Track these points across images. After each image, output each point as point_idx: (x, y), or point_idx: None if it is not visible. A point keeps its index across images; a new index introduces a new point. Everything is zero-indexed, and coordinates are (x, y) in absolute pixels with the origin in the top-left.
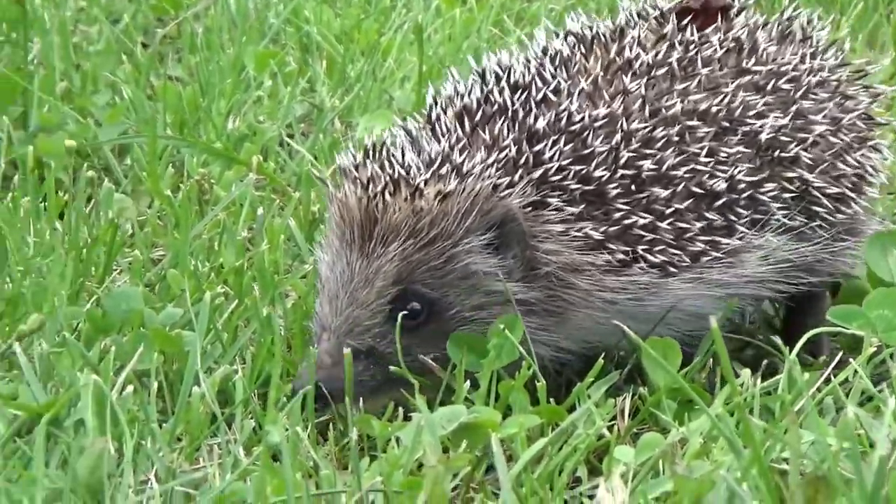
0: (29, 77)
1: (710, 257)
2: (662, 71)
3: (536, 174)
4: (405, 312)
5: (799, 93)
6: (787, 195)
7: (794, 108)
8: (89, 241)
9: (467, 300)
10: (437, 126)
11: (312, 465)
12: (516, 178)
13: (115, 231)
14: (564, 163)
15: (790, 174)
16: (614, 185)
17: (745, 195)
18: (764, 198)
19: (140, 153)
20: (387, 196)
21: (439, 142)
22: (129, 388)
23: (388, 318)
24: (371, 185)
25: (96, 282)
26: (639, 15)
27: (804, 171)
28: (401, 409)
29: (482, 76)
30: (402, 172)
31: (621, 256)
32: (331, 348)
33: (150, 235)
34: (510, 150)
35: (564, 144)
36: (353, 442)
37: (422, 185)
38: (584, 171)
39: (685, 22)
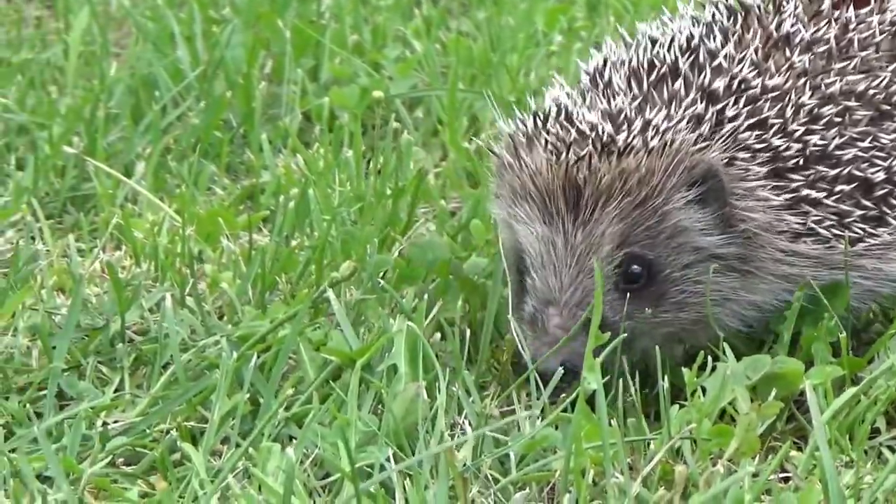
0: (321, 31)
1: (866, 244)
2: (821, 49)
3: (725, 131)
4: (631, 275)
5: None
6: None
7: None
8: (395, 189)
9: (678, 259)
10: (607, 88)
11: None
12: (707, 132)
13: (420, 181)
14: (747, 123)
15: None
16: (789, 155)
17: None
18: None
19: (439, 106)
20: (590, 159)
21: (613, 100)
22: (437, 335)
23: (615, 284)
24: (566, 150)
25: (399, 231)
26: None
27: None
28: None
29: (649, 41)
30: (598, 133)
31: (795, 227)
32: (564, 323)
33: (448, 187)
34: (696, 107)
35: (743, 107)
36: (663, 390)
37: (624, 143)
38: (763, 136)
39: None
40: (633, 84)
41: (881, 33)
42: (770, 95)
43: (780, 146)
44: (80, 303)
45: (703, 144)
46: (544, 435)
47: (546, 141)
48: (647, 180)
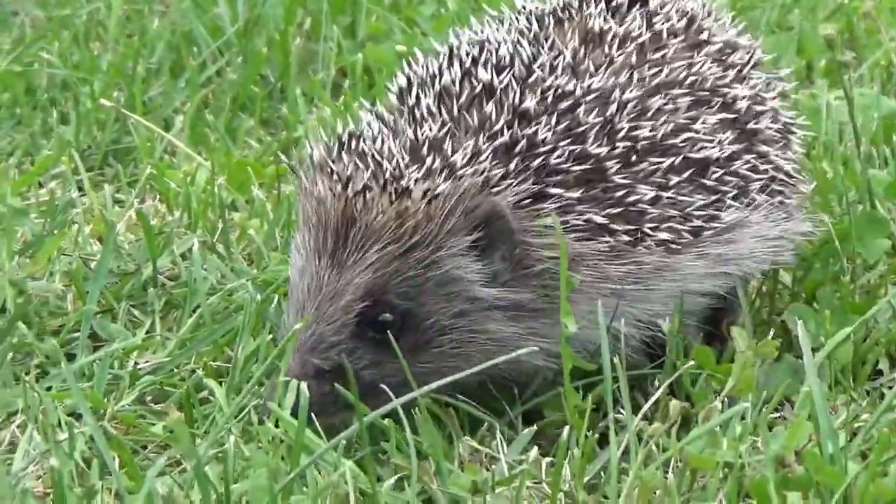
0: None
1: (710, 230)
2: (636, 42)
3: (534, 161)
4: (380, 324)
5: (747, 68)
6: (759, 169)
7: (748, 81)
8: None
9: (447, 308)
10: (415, 110)
11: None
12: (511, 166)
13: None
14: (560, 143)
15: (760, 148)
16: (613, 160)
17: (731, 167)
18: (744, 171)
19: None
20: (368, 195)
21: (421, 128)
22: None
23: (354, 334)
24: (351, 183)
25: None
26: None
27: (769, 147)
28: None
29: (455, 54)
30: (387, 166)
31: (626, 238)
32: (295, 367)
33: None
34: (502, 135)
35: (557, 123)
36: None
37: (408, 184)
38: (579, 150)
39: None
40: (443, 107)
41: (681, 22)
42: (589, 98)
43: (600, 153)
44: (113, 248)
45: (501, 182)
46: None
47: (332, 170)
48: (422, 225)
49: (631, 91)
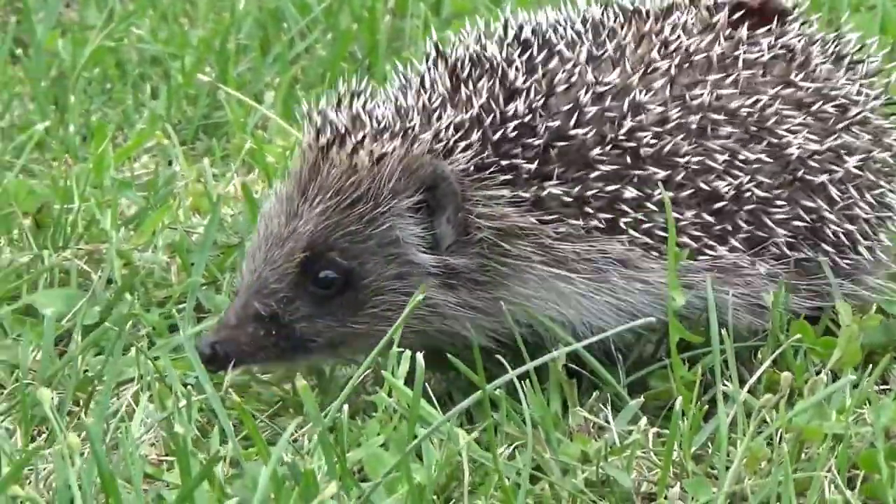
0: None
1: (706, 258)
2: (699, 58)
3: (495, 134)
4: (321, 280)
5: (842, 124)
6: (798, 223)
7: (832, 137)
8: None
9: (385, 270)
10: (426, 77)
11: None
12: (474, 137)
13: None
14: (530, 118)
15: (809, 203)
16: (598, 146)
17: (749, 207)
18: (770, 220)
19: None
20: (331, 150)
21: (419, 96)
22: None
23: (296, 284)
24: (320, 137)
25: None
26: (692, 1)
27: (823, 204)
28: None
29: (504, 30)
30: (364, 126)
31: (596, 223)
32: (238, 308)
33: None
34: (476, 110)
35: (544, 102)
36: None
37: (362, 142)
38: (558, 127)
39: (738, 17)
40: (448, 79)
41: (773, 56)
42: (601, 90)
43: (585, 138)
44: (217, 221)
45: (458, 153)
46: None
47: (318, 123)
48: (366, 181)
49: (651, 96)
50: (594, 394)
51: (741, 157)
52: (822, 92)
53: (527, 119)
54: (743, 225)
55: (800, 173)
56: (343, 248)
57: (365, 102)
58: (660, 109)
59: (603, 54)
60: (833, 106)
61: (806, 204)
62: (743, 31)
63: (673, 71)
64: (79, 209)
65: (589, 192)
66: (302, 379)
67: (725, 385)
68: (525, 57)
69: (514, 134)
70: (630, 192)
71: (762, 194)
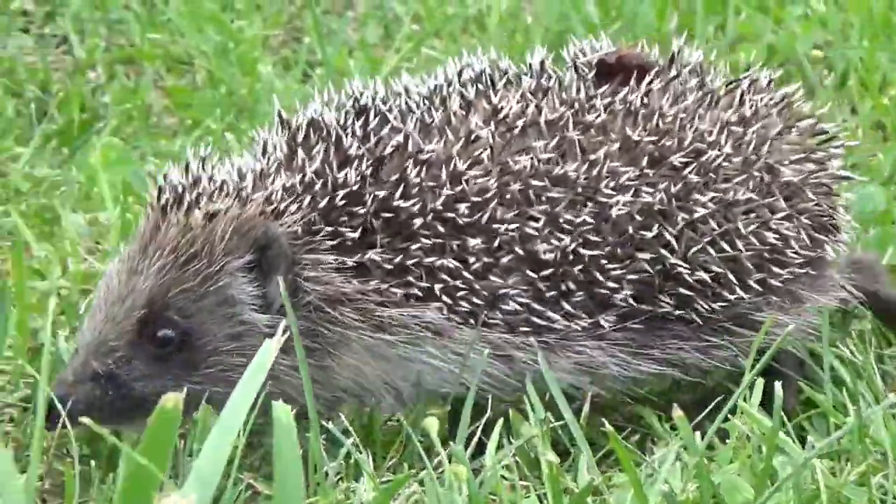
0: None
1: (530, 329)
2: (523, 122)
3: (324, 200)
4: (159, 339)
5: (691, 170)
6: (641, 275)
7: (680, 183)
8: None
9: (221, 329)
10: (268, 142)
11: None
12: (304, 203)
13: None
14: (359, 187)
15: (647, 255)
16: (417, 217)
17: (579, 269)
18: (606, 278)
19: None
20: (168, 210)
21: (257, 160)
22: None
23: (134, 343)
24: (162, 196)
25: None
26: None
27: (666, 253)
28: None
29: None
30: (197, 186)
31: (415, 292)
32: (76, 365)
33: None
34: (309, 175)
35: (370, 169)
36: None
37: (197, 201)
38: (383, 197)
39: (602, 78)
40: (288, 143)
41: (610, 112)
42: (423, 157)
43: (408, 210)
44: None
45: (286, 216)
46: None
47: (160, 185)
48: (200, 241)
49: (471, 165)
50: None
51: (563, 219)
52: (665, 142)
53: (356, 188)
54: (574, 287)
55: (629, 230)
56: (180, 306)
57: (210, 166)
58: (478, 178)
59: (431, 123)
60: (682, 155)
61: (643, 257)
62: (588, 93)
63: (492, 139)
64: None
65: (410, 262)
66: (679, 409)
67: None
68: (360, 124)
69: (342, 202)
70: (448, 262)
71: (589, 253)
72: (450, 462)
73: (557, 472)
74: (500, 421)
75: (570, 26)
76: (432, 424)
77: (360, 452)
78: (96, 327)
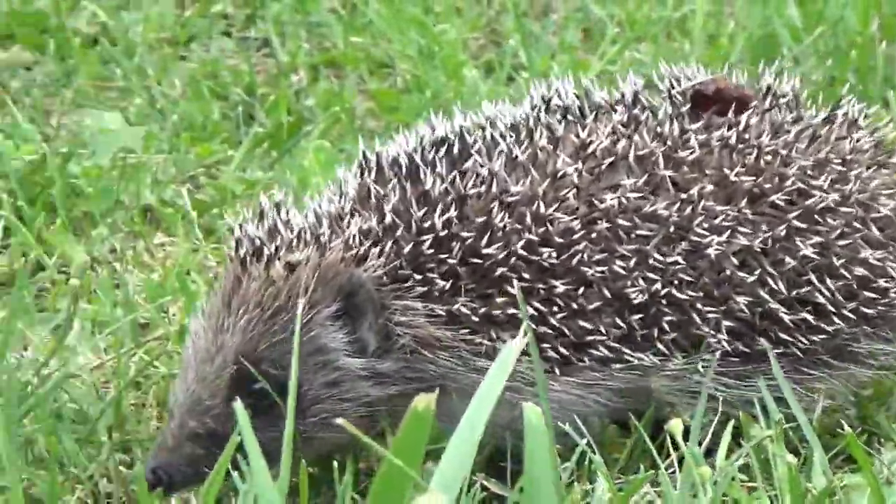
0: None
1: (619, 366)
2: (612, 158)
3: (408, 246)
4: (255, 392)
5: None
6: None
7: (784, 226)
8: None
9: (318, 377)
10: (343, 182)
11: None
12: (387, 247)
13: None
14: (446, 233)
15: (745, 298)
16: (504, 266)
17: (671, 310)
18: (701, 319)
19: None
20: (248, 263)
21: (335, 199)
22: None
23: (229, 398)
24: (239, 249)
25: None
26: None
27: (765, 295)
28: None
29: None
30: (274, 237)
31: (507, 338)
32: (174, 429)
33: None
34: (387, 217)
35: (455, 211)
36: None
37: (276, 253)
38: (469, 243)
39: (698, 109)
40: (359, 182)
41: (705, 151)
42: (509, 200)
43: (494, 255)
44: None
45: (368, 261)
46: None
47: (237, 237)
48: (285, 293)
49: (556, 207)
50: None
51: (654, 258)
52: (767, 182)
53: (443, 232)
54: (667, 328)
55: (727, 271)
56: (272, 358)
57: (284, 211)
58: (563, 218)
59: (517, 159)
60: (783, 195)
61: (742, 300)
62: (682, 126)
63: (577, 178)
64: None
65: (495, 311)
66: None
67: None
68: (440, 158)
69: (430, 250)
70: (533, 306)
71: (681, 296)
72: (680, 465)
73: (796, 473)
74: (730, 424)
75: (773, 31)
76: (677, 427)
77: (595, 453)
78: (189, 387)
